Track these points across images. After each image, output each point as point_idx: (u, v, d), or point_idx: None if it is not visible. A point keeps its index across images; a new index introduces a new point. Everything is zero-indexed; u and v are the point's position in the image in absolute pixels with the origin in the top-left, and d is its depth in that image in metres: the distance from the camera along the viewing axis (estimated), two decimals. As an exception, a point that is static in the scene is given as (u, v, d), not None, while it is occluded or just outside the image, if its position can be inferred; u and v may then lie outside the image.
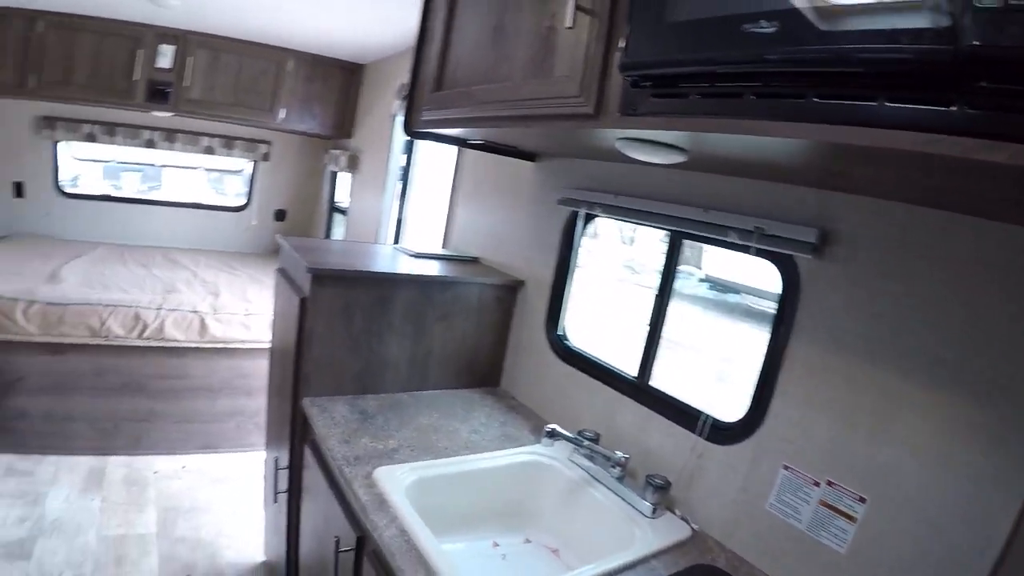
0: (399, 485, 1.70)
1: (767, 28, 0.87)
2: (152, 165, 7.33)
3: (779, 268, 1.59)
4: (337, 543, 1.78)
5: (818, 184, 1.49)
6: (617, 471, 1.78)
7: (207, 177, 7.71)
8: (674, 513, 1.72)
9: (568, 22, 1.32)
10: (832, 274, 1.47)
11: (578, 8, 1.31)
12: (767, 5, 0.88)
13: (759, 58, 0.90)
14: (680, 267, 1.99)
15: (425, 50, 2.17)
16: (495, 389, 2.60)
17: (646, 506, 1.68)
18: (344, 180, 5.41)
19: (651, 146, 1.35)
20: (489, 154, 2.53)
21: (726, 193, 1.72)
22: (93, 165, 6.24)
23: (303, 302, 2.27)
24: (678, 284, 1.99)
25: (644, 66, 1.14)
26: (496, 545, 1.85)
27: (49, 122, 5.33)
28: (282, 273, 2.68)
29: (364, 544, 1.72)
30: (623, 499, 1.74)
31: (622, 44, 1.16)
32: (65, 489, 3.75)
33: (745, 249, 1.62)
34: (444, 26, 2.04)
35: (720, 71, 0.99)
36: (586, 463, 1.90)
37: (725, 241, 1.69)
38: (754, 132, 0.95)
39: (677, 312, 2.02)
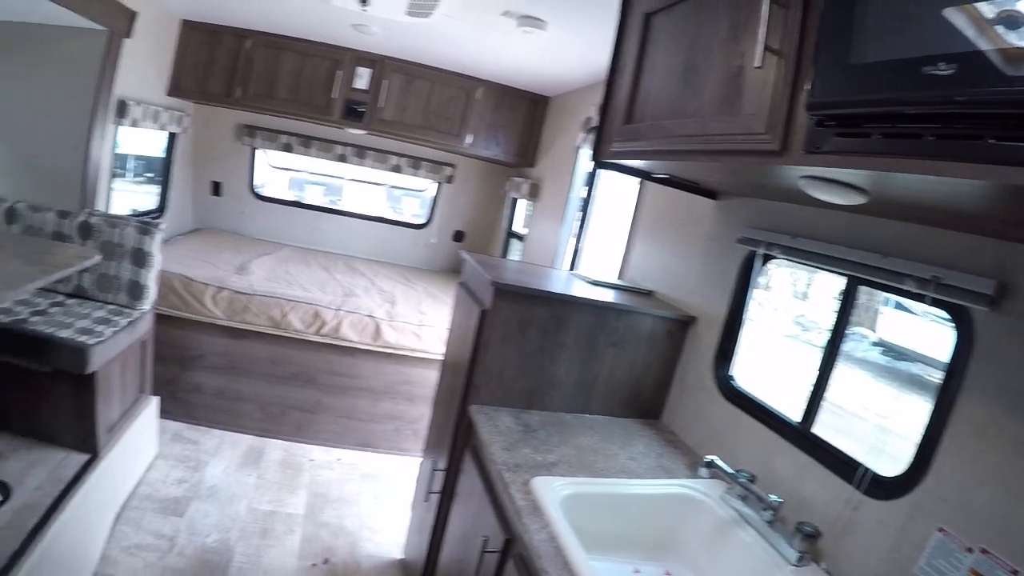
0: (554, 496, 1.77)
1: (946, 71, 0.89)
2: (335, 178, 7.89)
3: (953, 320, 1.54)
4: (485, 543, 1.88)
5: (997, 234, 1.44)
6: (768, 514, 1.76)
7: (386, 195, 8.21)
8: (819, 565, 1.68)
9: (757, 62, 1.37)
10: (1009, 329, 1.41)
11: (767, 49, 1.36)
12: (946, 48, 0.90)
13: (939, 100, 0.92)
14: (853, 328, 1.95)
15: (616, 83, 2.25)
16: (656, 422, 2.62)
17: (792, 554, 1.65)
18: (523, 207, 5.57)
19: (833, 185, 1.37)
20: (670, 189, 2.55)
21: (903, 240, 1.69)
22: (281, 173, 6.79)
23: (483, 314, 2.41)
24: (850, 346, 1.95)
25: (829, 106, 1.17)
26: (637, 572, 1.87)
27: (250, 130, 5.89)
28: (463, 287, 2.85)
29: (511, 546, 1.80)
30: (770, 543, 1.71)
31: (808, 85, 1.20)
32: (225, 461, 4.11)
33: (920, 298, 1.59)
34: (635, 62, 2.12)
35: (900, 112, 1.02)
36: (738, 503, 1.88)
37: (901, 289, 1.66)
38: (932, 172, 0.97)
39: (845, 373, 1.97)
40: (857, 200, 1.40)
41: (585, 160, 4.18)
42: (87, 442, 3.21)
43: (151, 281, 3.64)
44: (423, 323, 4.54)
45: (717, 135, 1.62)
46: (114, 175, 4.40)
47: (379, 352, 4.51)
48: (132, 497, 3.56)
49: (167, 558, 3.15)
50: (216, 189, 6.22)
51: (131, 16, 3.89)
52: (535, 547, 1.56)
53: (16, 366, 3.13)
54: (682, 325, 2.58)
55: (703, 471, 1.89)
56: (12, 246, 2.88)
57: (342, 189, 8.31)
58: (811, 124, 1.23)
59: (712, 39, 1.70)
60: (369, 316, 4.49)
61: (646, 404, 2.63)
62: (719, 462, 1.87)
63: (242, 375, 4.48)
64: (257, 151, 6.17)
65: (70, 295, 3.62)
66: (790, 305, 3.35)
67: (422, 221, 6.59)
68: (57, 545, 2.66)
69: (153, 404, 4.00)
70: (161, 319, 4.05)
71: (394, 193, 7.87)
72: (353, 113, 5.07)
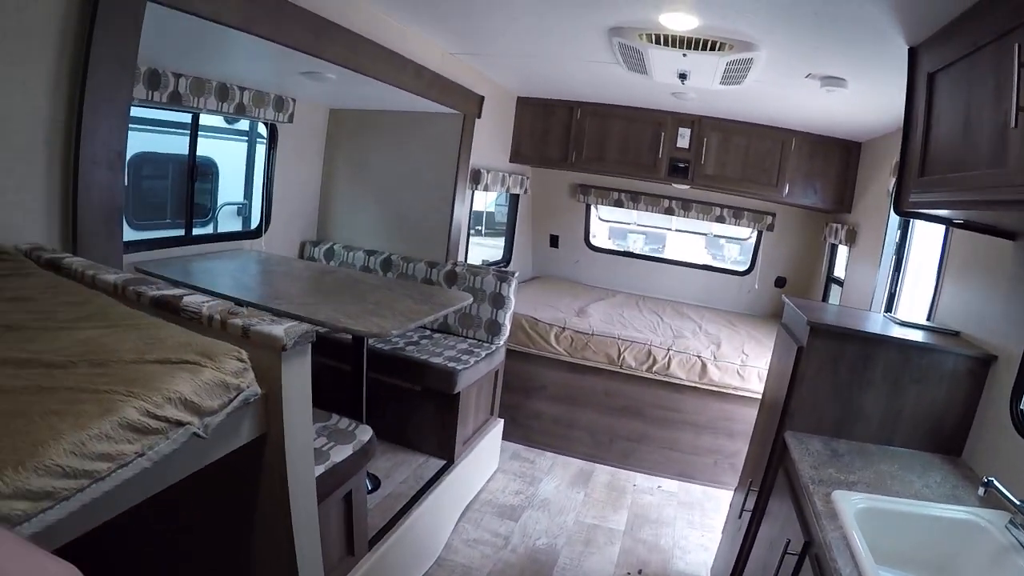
0: (851, 507, 1.96)
1: None
2: (656, 228, 8.31)
3: None
4: (787, 545, 2.15)
5: None
6: None
7: (706, 242, 8.47)
8: None
9: (1012, 122, 1.56)
10: None
11: (1019, 108, 1.55)
12: None
13: None
14: None
15: (910, 138, 2.45)
16: (956, 458, 2.61)
17: None
18: (841, 252, 5.55)
19: None
20: (973, 232, 2.63)
21: None
22: (603, 224, 7.31)
23: (800, 350, 2.69)
24: None
25: None
26: (913, 587, 1.99)
27: (584, 188, 6.55)
28: (784, 327, 3.15)
29: (809, 548, 2.04)
30: None
31: None
32: (557, 480, 4.68)
33: None
34: (924, 118, 2.32)
35: None
36: (1019, 532, 1.91)
37: None
38: None
39: None
40: None
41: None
42: (445, 450, 3.93)
43: (507, 320, 4.33)
44: (745, 363, 4.77)
45: (990, 187, 1.80)
46: (471, 231, 5.21)
47: (704, 389, 4.81)
48: (475, 501, 4.23)
49: (501, 553, 3.73)
50: (554, 241, 6.98)
51: (480, 100, 4.62)
52: (828, 543, 1.78)
53: (393, 385, 3.91)
54: (983, 364, 2.59)
55: (980, 490, 1.97)
56: (401, 289, 3.61)
57: (664, 237, 8.78)
58: None
59: (982, 98, 1.89)
60: (696, 356, 4.81)
61: (947, 440, 2.66)
62: (997, 483, 1.94)
63: (577, 405, 5.04)
64: (591, 207, 6.82)
65: (436, 330, 4.42)
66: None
67: (744, 268, 6.79)
68: (414, 529, 3.33)
69: (499, 425, 4.68)
70: (510, 353, 4.75)
71: (715, 240, 8.14)
72: (677, 170, 5.40)
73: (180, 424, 1.16)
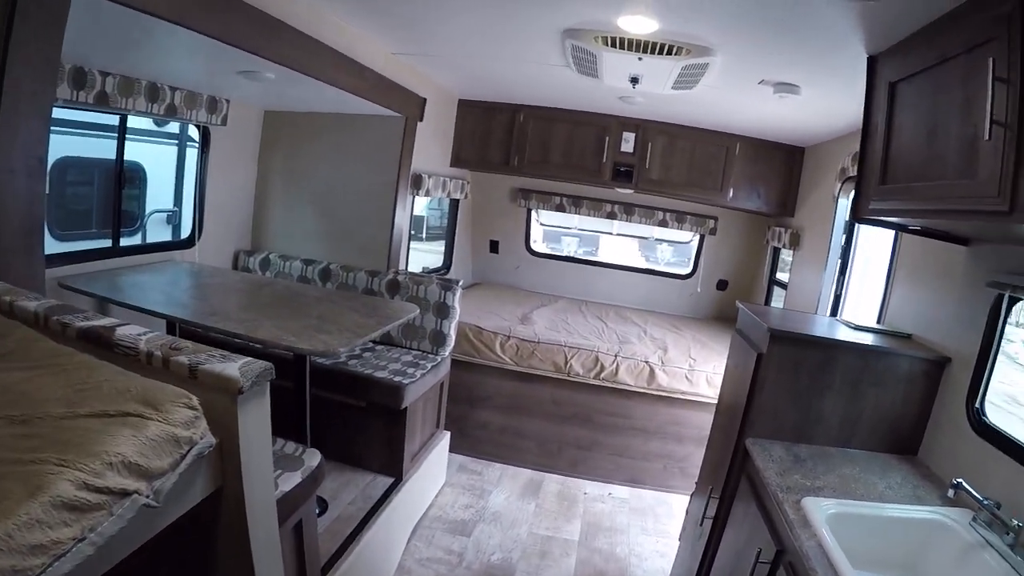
0: (822, 513, 1.98)
1: None
2: (589, 231, 8.31)
3: None
4: (758, 554, 2.12)
5: None
6: (1010, 537, 1.84)
7: (639, 245, 8.53)
8: None
9: (985, 135, 1.56)
10: None
11: (992, 121, 1.54)
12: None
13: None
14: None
15: (869, 147, 2.44)
16: (913, 457, 2.67)
17: None
18: (785, 255, 5.60)
19: None
20: (925, 238, 2.67)
21: None
22: (537, 228, 7.18)
23: (759, 357, 2.68)
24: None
25: None
26: (889, 589, 2.01)
27: (525, 193, 6.46)
28: (739, 333, 3.13)
29: (782, 556, 2.04)
30: (1011, 565, 1.79)
31: None
32: (506, 491, 4.59)
33: None
34: (884, 127, 2.30)
35: None
36: (983, 529, 1.97)
37: None
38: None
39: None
40: None
41: (843, 208, 4.19)
42: (393, 467, 3.80)
43: (452, 330, 4.22)
44: (693, 368, 4.76)
45: (958, 197, 1.81)
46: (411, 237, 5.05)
47: (652, 395, 4.79)
48: (424, 517, 4.11)
49: (456, 571, 3.62)
50: (494, 247, 6.88)
51: (422, 103, 4.49)
52: (805, 552, 1.78)
53: (337, 401, 3.75)
54: (938, 366, 2.64)
55: (950, 492, 2.03)
56: (344, 301, 3.47)
57: (598, 240, 8.77)
58: None
59: (950, 110, 1.89)
60: (644, 361, 4.78)
61: (904, 441, 2.70)
62: (966, 485, 1.99)
63: (525, 415, 4.96)
64: (532, 211, 6.74)
65: (379, 342, 4.26)
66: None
67: (680, 270, 6.82)
68: (366, 552, 3.20)
69: (446, 438, 4.57)
70: (454, 363, 4.62)
71: (647, 243, 8.19)
72: (622, 174, 5.38)
73: (125, 494, 0.99)
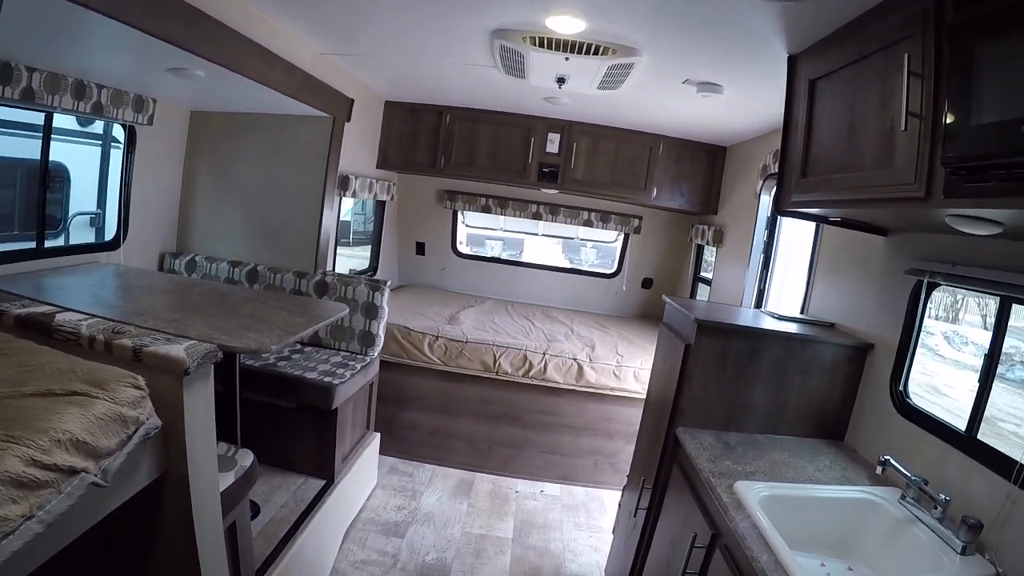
0: (755, 496, 2.05)
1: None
2: (514, 233, 8.41)
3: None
4: (693, 539, 2.18)
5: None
6: (938, 512, 1.95)
7: (563, 246, 8.67)
8: (983, 556, 1.82)
9: (902, 126, 1.66)
10: None
11: (908, 113, 1.64)
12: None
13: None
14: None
15: (790, 142, 2.54)
16: (839, 442, 2.78)
17: (958, 544, 1.82)
18: (708, 252, 5.74)
19: (973, 220, 1.62)
20: (845, 229, 2.79)
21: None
22: (463, 233, 7.25)
23: (687, 348, 2.75)
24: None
25: (957, 160, 1.43)
26: (823, 566, 2.07)
27: (451, 195, 6.48)
28: (667, 326, 3.19)
29: (717, 540, 2.10)
30: (939, 537, 1.89)
31: (942, 144, 1.48)
32: (438, 492, 4.60)
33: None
34: (805, 123, 2.41)
35: (1010, 162, 1.27)
36: (911, 505, 2.07)
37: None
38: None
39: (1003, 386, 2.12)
40: (994, 230, 1.64)
41: (765, 204, 4.33)
42: (325, 469, 3.77)
43: (380, 331, 4.21)
44: (621, 364, 4.82)
45: (877, 186, 1.91)
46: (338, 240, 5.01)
47: (581, 392, 4.84)
48: (357, 520, 4.08)
49: (391, 573, 3.60)
50: (420, 249, 6.87)
51: (350, 104, 4.46)
52: (740, 533, 1.85)
53: (266, 403, 3.69)
54: (861, 352, 2.76)
55: (878, 469, 2.16)
56: (273, 301, 3.41)
57: (522, 243, 8.88)
58: (947, 174, 1.52)
59: (867, 104, 1.99)
60: (572, 359, 4.83)
61: (830, 425, 2.81)
62: (894, 461, 2.10)
63: (454, 415, 4.96)
64: (458, 213, 6.76)
65: (307, 344, 4.22)
66: (965, 330, 3.35)
67: (611, 271, 6.91)
68: (300, 556, 3.17)
69: (376, 439, 4.55)
70: (383, 364, 4.59)
71: (571, 244, 8.33)
72: (547, 175, 5.43)
73: (73, 472, 0.98)
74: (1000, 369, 2.09)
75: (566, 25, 2.78)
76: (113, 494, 1.12)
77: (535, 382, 4.83)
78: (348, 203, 5.87)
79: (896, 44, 1.81)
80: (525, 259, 8.41)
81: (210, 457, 1.43)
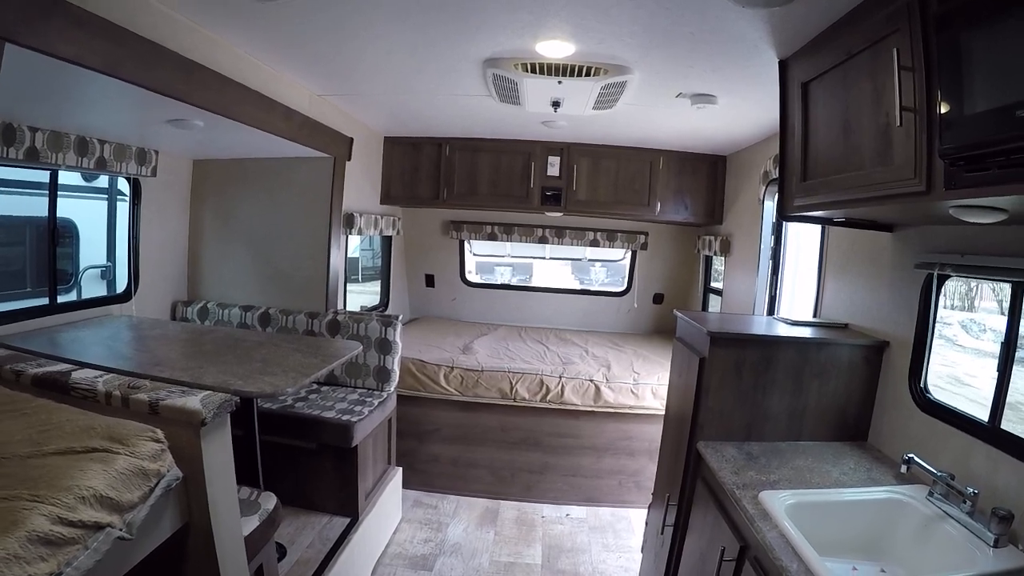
0: (780, 505, 2.02)
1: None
2: (522, 258, 8.42)
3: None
4: (722, 553, 2.16)
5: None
6: (967, 506, 1.92)
7: (572, 267, 8.68)
8: (1017, 547, 1.79)
9: (897, 121, 1.67)
10: None
11: (903, 108, 1.65)
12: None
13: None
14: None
15: (788, 147, 2.55)
16: (863, 443, 2.75)
17: (990, 536, 1.79)
18: (717, 263, 5.73)
19: (978, 209, 1.62)
20: (851, 228, 2.79)
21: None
22: (472, 262, 7.26)
23: (702, 361, 2.73)
24: None
25: (955, 151, 1.43)
26: (855, 569, 2.05)
27: (456, 224, 6.51)
28: (680, 341, 3.18)
29: (746, 552, 2.08)
30: (970, 531, 1.86)
31: (938, 136, 1.48)
32: (464, 522, 4.57)
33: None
34: (801, 126, 2.42)
35: (1008, 148, 1.27)
36: (939, 501, 2.04)
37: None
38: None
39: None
40: (1000, 217, 1.63)
41: (769, 210, 4.33)
42: (348, 507, 3.76)
43: (395, 365, 4.21)
44: (638, 381, 4.81)
45: (877, 183, 1.90)
46: (347, 278, 5.03)
47: (600, 412, 4.82)
48: (384, 555, 4.07)
49: (422, 607, 3.55)
50: (430, 281, 6.90)
51: (350, 143, 4.51)
52: (769, 544, 1.82)
53: (286, 445, 3.70)
54: (877, 350, 2.73)
55: (903, 467, 2.11)
56: (286, 343, 3.43)
57: (531, 267, 8.91)
58: (946, 166, 1.52)
59: (861, 102, 2.00)
60: (589, 380, 4.82)
61: (852, 427, 2.78)
62: (917, 459, 2.07)
63: (474, 444, 4.95)
64: (464, 242, 6.79)
65: (323, 383, 4.23)
66: (982, 317, 3.33)
67: (620, 289, 6.91)
68: (329, 597, 3.14)
69: (398, 474, 4.54)
70: (400, 399, 4.59)
71: (580, 265, 8.33)
72: (550, 198, 5.45)
73: (99, 527, 0.99)
74: (1020, 354, 2.06)
75: (556, 49, 2.81)
76: (138, 547, 1.13)
77: (553, 406, 4.82)
78: (355, 240, 5.90)
79: (883, 40, 1.82)
80: (535, 283, 8.43)
81: (231, 503, 1.43)
